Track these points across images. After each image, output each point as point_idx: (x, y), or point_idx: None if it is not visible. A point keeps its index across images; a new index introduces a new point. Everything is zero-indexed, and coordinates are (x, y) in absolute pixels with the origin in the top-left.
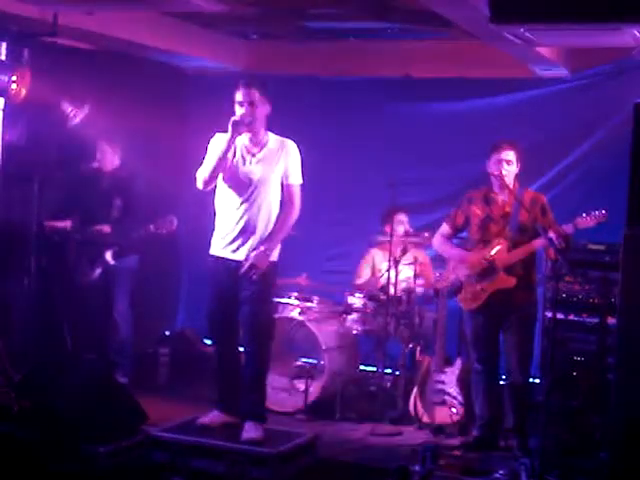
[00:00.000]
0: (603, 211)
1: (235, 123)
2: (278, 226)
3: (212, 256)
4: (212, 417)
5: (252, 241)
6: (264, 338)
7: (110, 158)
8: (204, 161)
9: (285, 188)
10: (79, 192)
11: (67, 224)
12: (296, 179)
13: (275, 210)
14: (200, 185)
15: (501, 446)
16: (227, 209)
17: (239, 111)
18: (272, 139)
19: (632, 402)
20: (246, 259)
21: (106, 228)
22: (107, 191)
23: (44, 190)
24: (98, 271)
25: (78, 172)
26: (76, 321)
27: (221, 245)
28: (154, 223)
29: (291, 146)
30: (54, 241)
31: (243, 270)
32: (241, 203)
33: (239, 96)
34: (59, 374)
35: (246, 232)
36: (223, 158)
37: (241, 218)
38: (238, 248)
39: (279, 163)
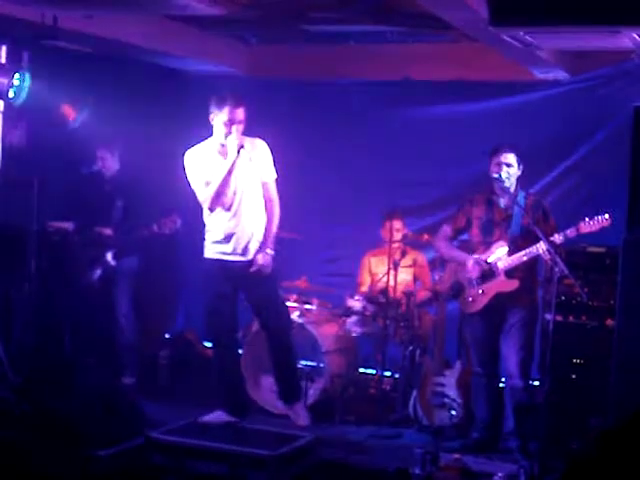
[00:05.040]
0: (606, 216)
1: (241, 147)
2: (269, 225)
3: (207, 259)
4: (215, 416)
5: (248, 241)
6: (288, 328)
7: (110, 163)
8: (195, 183)
9: (263, 186)
10: (81, 194)
11: (69, 225)
12: (271, 176)
13: (261, 208)
14: (209, 208)
15: (501, 449)
16: (217, 214)
17: (225, 128)
18: (245, 143)
19: (631, 404)
20: (254, 261)
21: (107, 231)
22: (109, 194)
23: (44, 193)
24: (98, 272)
25: (79, 175)
26: (77, 323)
27: (216, 248)
28: (157, 223)
29: (260, 145)
30: (54, 243)
31: (253, 270)
32: (229, 209)
33: (232, 115)
34: (60, 377)
35: (239, 234)
36: (227, 181)
37: (232, 222)
38: (234, 249)
39: (255, 165)
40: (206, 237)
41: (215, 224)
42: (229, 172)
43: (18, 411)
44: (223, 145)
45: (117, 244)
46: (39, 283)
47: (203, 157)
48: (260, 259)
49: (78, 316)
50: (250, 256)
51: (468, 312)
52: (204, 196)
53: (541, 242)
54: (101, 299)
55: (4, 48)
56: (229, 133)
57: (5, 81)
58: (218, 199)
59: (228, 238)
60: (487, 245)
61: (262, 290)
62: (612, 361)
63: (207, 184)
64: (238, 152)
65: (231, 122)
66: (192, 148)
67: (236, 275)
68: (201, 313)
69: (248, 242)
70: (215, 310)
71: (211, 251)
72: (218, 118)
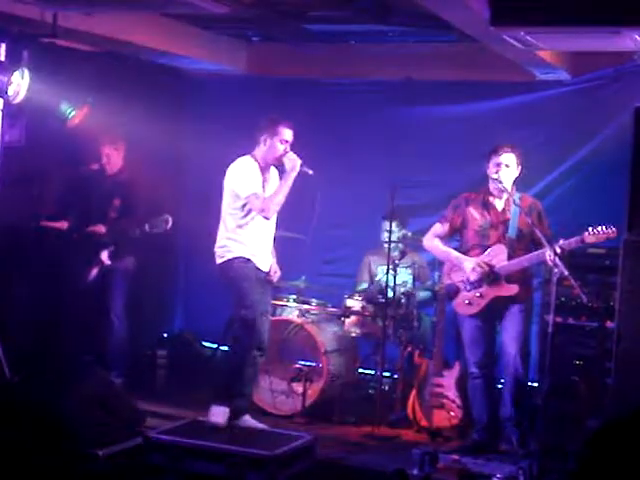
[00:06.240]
0: (613, 228)
1: (302, 164)
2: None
3: (242, 258)
4: (220, 411)
5: (271, 250)
6: None
7: (115, 161)
8: (246, 193)
9: None
10: (79, 193)
11: (63, 225)
12: None
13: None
14: (266, 217)
15: (500, 450)
16: (256, 223)
17: (282, 147)
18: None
19: (630, 406)
20: (275, 271)
21: (100, 228)
22: (108, 192)
23: (43, 191)
24: (94, 271)
25: (78, 173)
26: (73, 322)
27: (248, 251)
28: (149, 222)
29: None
30: (52, 241)
31: (275, 280)
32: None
33: (286, 135)
34: (57, 377)
35: (267, 245)
36: (285, 195)
37: (269, 232)
38: (263, 259)
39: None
40: (235, 239)
41: (252, 232)
42: (288, 186)
43: (16, 410)
44: (267, 161)
45: (111, 243)
46: (37, 281)
47: (255, 170)
48: (277, 270)
49: (76, 315)
50: (269, 263)
51: (465, 314)
52: (263, 206)
53: (546, 249)
54: (97, 298)
55: (4, 46)
56: (285, 152)
57: (5, 79)
58: (276, 210)
59: (263, 245)
60: (483, 248)
61: (268, 294)
62: (612, 362)
63: (258, 195)
64: (300, 170)
65: (287, 141)
66: (239, 161)
67: (260, 279)
68: (199, 313)
69: (271, 250)
70: (256, 316)
71: (247, 253)
72: (274, 137)
